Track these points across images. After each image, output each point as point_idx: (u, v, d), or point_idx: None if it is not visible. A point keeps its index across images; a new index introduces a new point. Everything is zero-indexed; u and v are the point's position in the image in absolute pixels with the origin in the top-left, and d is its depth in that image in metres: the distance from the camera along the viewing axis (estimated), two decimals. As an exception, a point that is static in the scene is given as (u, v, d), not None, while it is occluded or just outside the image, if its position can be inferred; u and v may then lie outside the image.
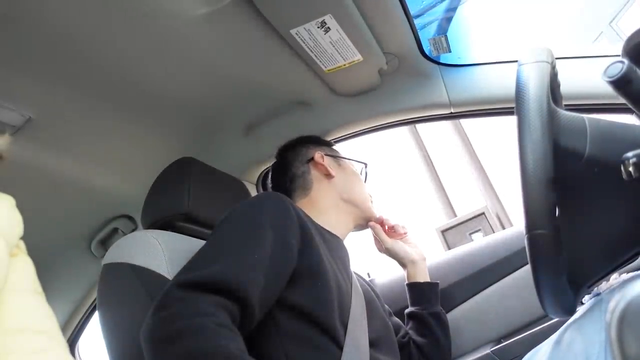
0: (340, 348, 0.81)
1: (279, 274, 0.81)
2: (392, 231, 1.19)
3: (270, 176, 1.20)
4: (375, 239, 1.20)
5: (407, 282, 1.15)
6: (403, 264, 1.17)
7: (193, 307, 0.69)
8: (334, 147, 1.23)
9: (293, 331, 0.80)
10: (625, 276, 0.58)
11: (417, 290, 1.13)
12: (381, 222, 1.19)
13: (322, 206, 1.07)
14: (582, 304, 0.63)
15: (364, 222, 1.14)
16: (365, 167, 1.21)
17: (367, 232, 1.19)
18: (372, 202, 1.16)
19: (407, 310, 1.14)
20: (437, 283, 1.15)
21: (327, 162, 1.12)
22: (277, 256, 0.80)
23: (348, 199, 1.10)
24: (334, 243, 1.01)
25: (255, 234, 0.81)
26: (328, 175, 1.10)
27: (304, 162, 1.13)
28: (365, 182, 1.19)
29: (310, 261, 0.85)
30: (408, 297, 1.14)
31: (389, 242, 1.16)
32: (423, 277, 1.14)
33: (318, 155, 1.12)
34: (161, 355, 0.66)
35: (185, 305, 0.69)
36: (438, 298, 1.13)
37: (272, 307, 0.81)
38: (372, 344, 0.89)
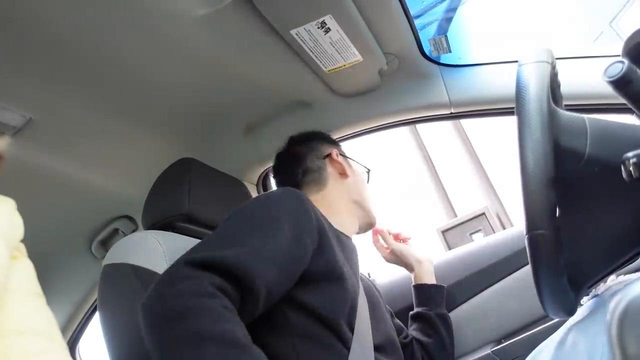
0: (348, 348, 0.81)
1: (290, 272, 0.79)
2: (395, 239, 1.21)
3: (276, 165, 1.16)
4: (380, 247, 1.22)
5: (413, 283, 1.15)
6: (410, 266, 1.17)
7: (198, 287, 0.66)
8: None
9: (303, 329, 0.79)
10: (623, 277, 0.58)
11: (424, 292, 1.13)
12: (381, 232, 1.21)
13: (335, 206, 1.05)
14: (581, 304, 0.62)
15: (367, 226, 1.13)
16: (368, 172, 1.20)
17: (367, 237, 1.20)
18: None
19: (412, 312, 1.14)
20: (444, 286, 1.15)
21: (342, 161, 1.11)
22: (290, 253, 0.78)
23: (358, 201, 1.09)
24: (347, 244, 1.00)
25: (272, 227, 0.79)
26: (343, 175, 1.09)
27: (320, 157, 1.11)
28: None
29: (326, 264, 0.84)
30: (414, 298, 1.14)
31: (396, 244, 1.18)
32: (429, 278, 1.15)
33: (335, 153, 1.11)
34: (162, 332, 0.63)
35: (191, 284, 0.66)
36: (444, 300, 1.13)
37: (283, 304, 0.79)
38: (378, 348, 0.88)
